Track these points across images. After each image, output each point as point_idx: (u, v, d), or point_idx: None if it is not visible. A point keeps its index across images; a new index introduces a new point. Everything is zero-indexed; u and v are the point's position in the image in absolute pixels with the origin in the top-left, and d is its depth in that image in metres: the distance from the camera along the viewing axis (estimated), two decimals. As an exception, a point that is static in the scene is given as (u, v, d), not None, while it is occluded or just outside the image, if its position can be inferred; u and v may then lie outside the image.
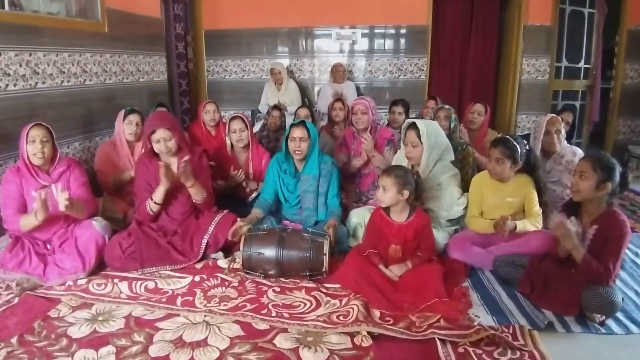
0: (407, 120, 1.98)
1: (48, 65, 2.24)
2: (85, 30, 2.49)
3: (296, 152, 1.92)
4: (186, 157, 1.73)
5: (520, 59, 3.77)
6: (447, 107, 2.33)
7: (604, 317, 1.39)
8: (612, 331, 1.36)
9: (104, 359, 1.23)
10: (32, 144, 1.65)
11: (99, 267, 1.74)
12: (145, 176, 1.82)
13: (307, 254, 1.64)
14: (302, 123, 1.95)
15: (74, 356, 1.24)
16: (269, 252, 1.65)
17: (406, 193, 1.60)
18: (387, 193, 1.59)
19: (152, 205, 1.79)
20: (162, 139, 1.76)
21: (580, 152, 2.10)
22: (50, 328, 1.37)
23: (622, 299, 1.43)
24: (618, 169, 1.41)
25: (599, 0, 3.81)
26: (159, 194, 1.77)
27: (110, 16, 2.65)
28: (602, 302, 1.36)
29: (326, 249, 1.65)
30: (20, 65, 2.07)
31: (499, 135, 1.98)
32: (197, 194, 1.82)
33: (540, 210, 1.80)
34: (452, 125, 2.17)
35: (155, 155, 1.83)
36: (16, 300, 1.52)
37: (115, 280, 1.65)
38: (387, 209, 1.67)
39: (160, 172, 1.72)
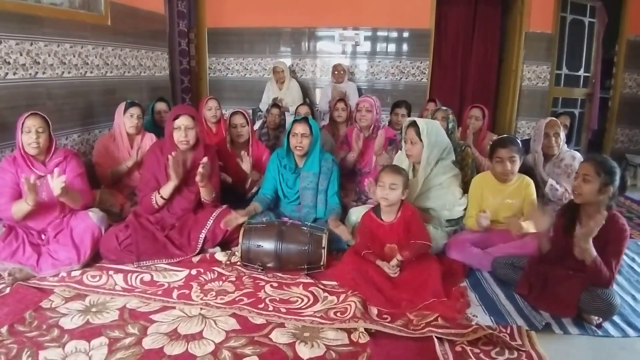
0: (408, 119, 1.99)
1: (49, 56, 2.23)
2: (88, 23, 2.48)
3: (297, 147, 1.91)
4: (205, 159, 1.73)
5: (521, 65, 3.79)
6: (444, 108, 2.35)
7: (601, 319, 1.39)
8: (609, 334, 1.36)
9: (96, 350, 1.21)
10: (28, 134, 1.63)
11: (94, 259, 1.72)
12: (153, 167, 1.80)
13: (306, 248, 1.64)
14: (305, 119, 1.95)
15: (65, 347, 1.22)
16: (268, 244, 1.65)
17: (406, 192, 1.62)
18: (396, 191, 1.59)
19: (158, 199, 1.78)
20: (184, 126, 1.76)
21: (579, 156, 2.11)
22: (42, 318, 1.35)
23: (620, 302, 1.42)
24: (619, 173, 1.41)
25: (599, 10, 3.86)
26: (167, 190, 1.77)
27: (113, 9, 2.64)
28: (600, 304, 1.36)
29: (324, 242, 1.65)
30: (21, 54, 2.05)
31: (500, 137, 1.99)
32: (207, 194, 1.83)
33: (540, 213, 1.80)
34: (450, 126, 2.18)
35: (173, 145, 1.79)
36: (8, 290, 1.50)
37: (110, 272, 1.63)
38: (377, 211, 1.67)
39: (169, 163, 1.70)
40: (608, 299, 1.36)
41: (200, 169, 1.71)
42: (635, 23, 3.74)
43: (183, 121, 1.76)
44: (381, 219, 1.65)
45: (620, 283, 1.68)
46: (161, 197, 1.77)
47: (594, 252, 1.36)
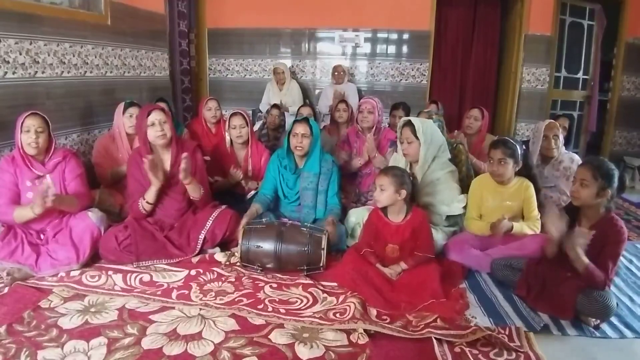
0: (403, 119, 2.00)
1: (48, 55, 2.22)
2: (88, 22, 2.48)
3: (297, 148, 1.91)
4: (185, 154, 1.72)
5: (521, 68, 3.81)
6: (426, 110, 2.37)
7: (598, 321, 1.40)
8: (607, 335, 1.37)
9: (95, 350, 1.21)
10: (27, 134, 1.63)
11: (93, 259, 1.71)
12: (136, 174, 1.79)
13: (305, 249, 1.64)
14: (305, 119, 1.95)
15: (63, 347, 1.21)
16: (268, 245, 1.65)
17: (403, 193, 1.60)
18: (385, 192, 1.59)
19: (144, 204, 1.76)
20: (158, 121, 1.75)
21: (577, 159, 2.13)
22: (41, 318, 1.34)
23: (617, 304, 1.43)
24: (617, 174, 1.42)
25: (598, 13, 3.88)
26: (151, 194, 1.75)
27: (113, 9, 2.64)
28: (597, 306, 1.37)
29: (324, 243, 1.65)
30: (20, 54, 2.05)
31: (498, 138, 2.01)
32: (194, 191, 1.80)
33: (539, 215, 1.81)
34: (436, 124, 2.19)
35: (149, 149, 1.79)
36: (6, 289, 1.49)
37: (110, 272, 1.63)
38: (384, 210, 1.66)
39: (146, 168, 1.67)
40: (604, 301, 1.37)
41: (182, 165, 1.69)
42: (634, 26, 3.76)
43: (155, 116, 1.75)
44: (388, 218, 1.65)
45: (618, 284, 1.69)
46: (147, 202, 1.75)
47: (586, 261, 1.37)
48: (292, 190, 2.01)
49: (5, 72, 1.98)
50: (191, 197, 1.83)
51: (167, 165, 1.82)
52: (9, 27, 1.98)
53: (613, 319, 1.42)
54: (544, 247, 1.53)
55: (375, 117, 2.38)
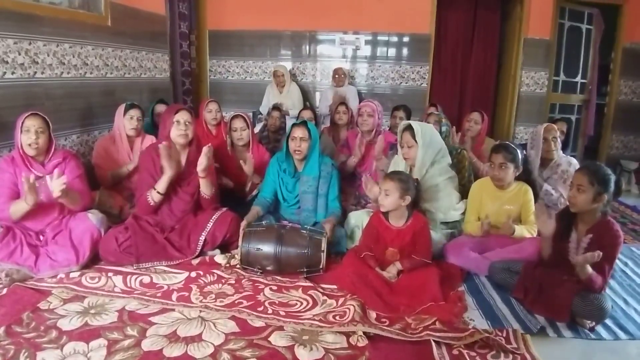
0: (403, 123, 2.02)
1: (48, 55, 2.22)
2: (88, 23, 2.48)
3: (296, 151, 1.92)
4: (209, 145, 1.76)
5: (520, 71, 3.84)
6: (436, 112, 2.38)
7: (593, 323, 1.42)
8: (601, 337, 1.38)
9: (95, 352, 1.21)
10: (27, 134, 1.63)
11: (93, 261, 1.71)
12: (149, 169, 1.80)
13: (305, 251, 1.65)
14: (304, 123, 1.96)
15: (63, 348, 1.22)
16: (268, 248, 1.65)
17: (408, 199, 1.62)
18: (389, 197, 1.60)
19: (154, 195, 1.75)
20: (184, 120, 1.78)
21: (575, 162, 2.15)
22: (40, 320, 1.35)
23: (612, 306, 1.45)
24: (613, 179, 1.44)
25: (596, 17, 3.92)
26: (162, 183, 1.75)
27: (113, 10, 2.64)
28: (592, 308, 1.39)
29: (324, 246, 1.66)
30: (19, 54, 2.04)
31: (499, 143, 2.02)
32: (207, 187, 1.81)
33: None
34: (444, 129, 2.20)
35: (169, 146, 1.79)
36: (5, 291, 1.49)
37: (110, 274, 1.63)
38: (385, 214, 1.67)
39: (161, 154, 1.69)
40: (600, 303, 1.39)
41: (204, 151, 1.71)
42: (631, 31, 3.80)
43: (183, 115, 1.79)
44: (389, 222, 1.66)
45: (613, 287, 1.71)
46: (157, 192, 1.75)
47: (590, 270, 1.38)
48: (292, 194, 2.02)
49: (4, 73, 1.97)
50: (202, 195, 1.83)
51: (182, 164, 1.82)
52: (8, 27, 1.97)
53: (608, 321, 1.44)
54: (539, 247, 1.54)
55: (375, 120, 2.39)
